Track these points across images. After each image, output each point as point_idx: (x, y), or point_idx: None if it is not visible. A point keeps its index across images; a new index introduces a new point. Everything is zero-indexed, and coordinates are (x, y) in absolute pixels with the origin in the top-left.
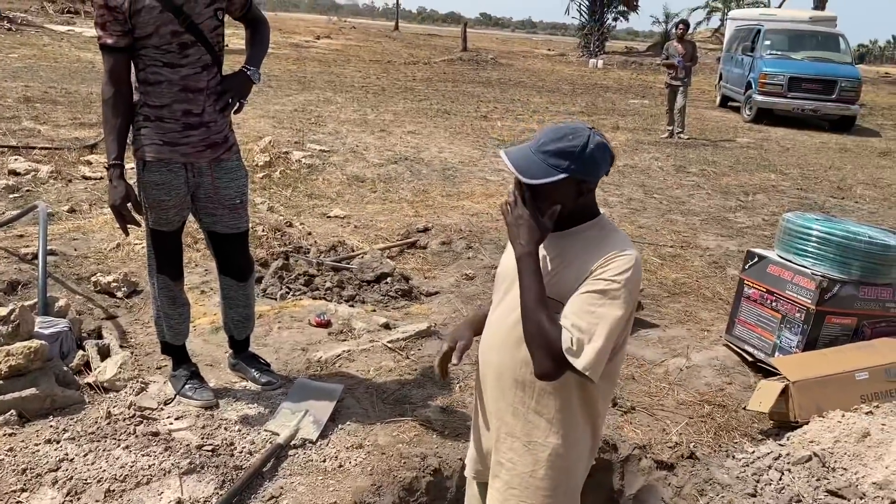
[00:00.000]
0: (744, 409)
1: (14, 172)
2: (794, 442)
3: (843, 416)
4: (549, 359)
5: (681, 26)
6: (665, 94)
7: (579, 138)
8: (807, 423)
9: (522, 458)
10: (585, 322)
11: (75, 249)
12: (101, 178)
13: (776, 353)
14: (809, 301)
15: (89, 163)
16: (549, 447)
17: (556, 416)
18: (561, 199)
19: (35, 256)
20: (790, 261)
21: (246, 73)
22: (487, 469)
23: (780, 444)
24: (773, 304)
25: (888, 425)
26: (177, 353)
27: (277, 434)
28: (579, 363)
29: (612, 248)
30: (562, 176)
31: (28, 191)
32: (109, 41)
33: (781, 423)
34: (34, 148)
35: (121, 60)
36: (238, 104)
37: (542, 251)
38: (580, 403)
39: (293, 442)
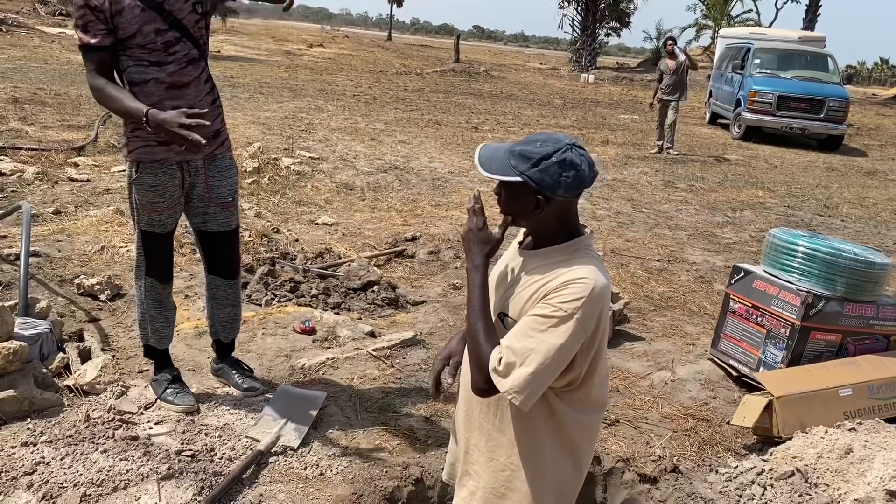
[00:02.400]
0: (728, 423)
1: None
2: (777, 457)
3: (827, 432)
4: (479, 375)
5: (669, 43)
6: (656, 109)
7: (547, 147)
8: (790, 439)
9: (486, 474)
10: (521, 345)
11: (59, 251)
12: (88, 180)
13: (761, 368)
14: (794, 317)
15: (76, 165)
16: (510, 469)
17: (518, 438)
18: (518, 209)
19: (17, 257)
20: (776, 276)
21: None
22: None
23: (763, 460)
24: (759, 319)
25: (870, 442)
26: (159, 357)
27: (258, 441)
28: (503, 385)
29: (572, 275)
30: (515, 178)
31: (13, 191)
32: (93, 41)
33: (765, 438)
34: (21, 149)
35: (105, 58)
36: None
37: (507, 266)
38: (549, 432)
39: (274, 449)
